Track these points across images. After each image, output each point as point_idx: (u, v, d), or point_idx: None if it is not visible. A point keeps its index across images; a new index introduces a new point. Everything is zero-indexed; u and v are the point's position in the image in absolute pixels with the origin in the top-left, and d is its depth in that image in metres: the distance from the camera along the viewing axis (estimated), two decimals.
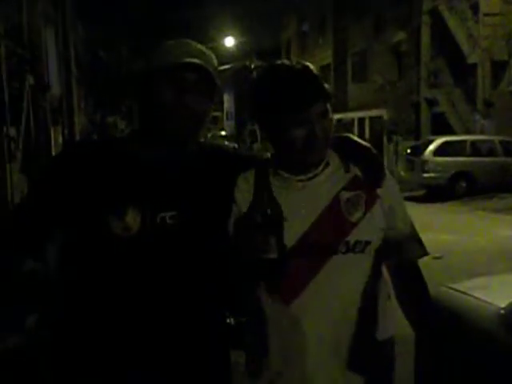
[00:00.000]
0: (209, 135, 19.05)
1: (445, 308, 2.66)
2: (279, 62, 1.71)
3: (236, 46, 43.38)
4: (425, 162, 17.41)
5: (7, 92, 12.91)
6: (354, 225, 1.66)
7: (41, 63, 17.03)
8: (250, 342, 1.74)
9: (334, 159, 1.74)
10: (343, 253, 1.64)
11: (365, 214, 1.68)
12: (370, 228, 1.68)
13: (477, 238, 10.87)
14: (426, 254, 1.82)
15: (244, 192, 1.72)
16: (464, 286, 2.77)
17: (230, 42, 43.58)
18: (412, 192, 18.08)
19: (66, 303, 1.69)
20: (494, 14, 21.10)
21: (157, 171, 1.64)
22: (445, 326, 2.64)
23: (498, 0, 21.09)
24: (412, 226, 1.80)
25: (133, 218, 1.57)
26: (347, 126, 31.26)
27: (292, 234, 1.63)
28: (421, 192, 18.06)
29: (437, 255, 8.54)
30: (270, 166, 1.75)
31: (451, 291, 2.74)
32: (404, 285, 1.84)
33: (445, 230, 11.29)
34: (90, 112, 34.64)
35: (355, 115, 31.57)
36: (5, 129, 12.88)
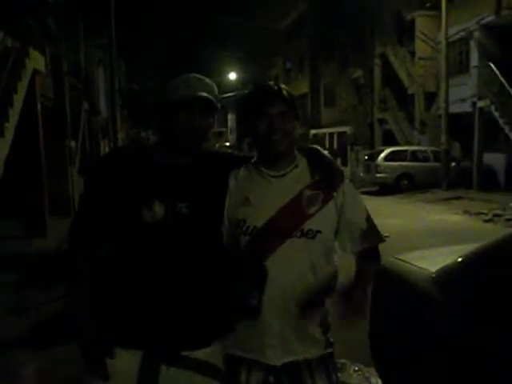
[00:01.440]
0: (217, 145, 18.84)
1: (392, 274, 2.64)
2: (264, 82, 1.77)
3: (237, 78, 43.15)
4: (377, 165, 17.46)
5: (69, 115, 12.90)
6: (310, 216, 1.61)
7: (93, 94, 16.98)
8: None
9: (302, 163, 1.70)
10: (298, 237, 1.60)
11: (320, 209, 1.62)
12: (322, 220, 1.62)
13: (415, 221, 10.89)
14: (382, 241, 1.76)
15: (232, 185, 1.69)
16: (406, 257, 2.73)
17: (232, 76, 43.45)
18: (368, 188, 18.13)
19: (110, 271, 1.67)
20: (426, 58, 21.06)
21: (174, 172, 1.63)
22: (392, 288, 2.64)
23: (429, 48, 21.04)
24: (370, 220, 1.73)
25: (158, 208, 1.56)
26: (321, 138, 31.15)
27: (262, 217, 1.61)
28: (375, 188, 18.02)
29: (386, 234, 8.73)
30: (254, 165, 1.71)
31: (397, 261, 2.70)
32: (363, 263, 1.76)
33: (392, 216, 11.26)
34: (128, 129, 34.45)
35: (327, 131, 31.38)
36: (67, 141, 12.89)
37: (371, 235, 1.73)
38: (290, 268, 1.59)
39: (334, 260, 1.72)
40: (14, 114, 8.23)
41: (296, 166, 1.69)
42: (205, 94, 1.59)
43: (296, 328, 1.62)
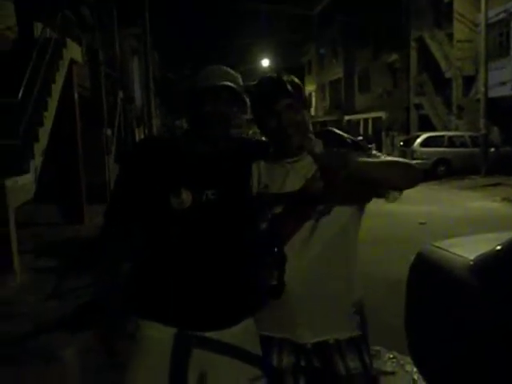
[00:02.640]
0: (250, 132, 18.94)
1: (429, 261, 2.62)
2: (267, 75, 1.74)
3: (270, 66, 42.89)
4: (414, 151, 17.14)
5: (106, 104, 13.13)
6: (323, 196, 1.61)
7: (128, 83, 17.22)
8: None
9: (318, 146, 1.69)
10: (315, 218, 1.62)
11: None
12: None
13: (452, 208, 10.67)
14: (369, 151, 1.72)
15: (253, 174, 1.72)
16: (443, 244, 2.70)
17: (265, 62, 43.19)
18: None
19: (142, 255, 1.71)
20: (464, 41, 20.46)
21: (200, 159, 1.67)
22: (429, 275, 2.63)
23: (467, 30, 20.43)
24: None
25: (186, 196, 1.60)
26: (355, 124, 30.79)
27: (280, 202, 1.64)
28: None
29: (422, 221, 8.37)
30: (273, 155, 1.73)
31: (434, 248, 2.68)
32: None
33: (429, 203, 11.10)
34: (163, 117, 34.82)
35: (361, 117, 31.04)
36: (104, 130, 13.14)
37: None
38: (312, 246, 1.62)
39: (354, 234, 1.73)
40: (53, 103, 8.43)
41: None
42: (229, 83, 1.63)
43: (324, 307, 1.64)
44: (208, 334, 1.62)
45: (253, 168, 1.74)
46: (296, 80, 1.70)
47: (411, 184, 1.64)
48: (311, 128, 1.74)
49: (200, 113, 1.65)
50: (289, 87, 1.64)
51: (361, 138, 25.16)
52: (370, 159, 1.61)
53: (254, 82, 1.77)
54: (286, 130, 1.62)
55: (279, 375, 1.64)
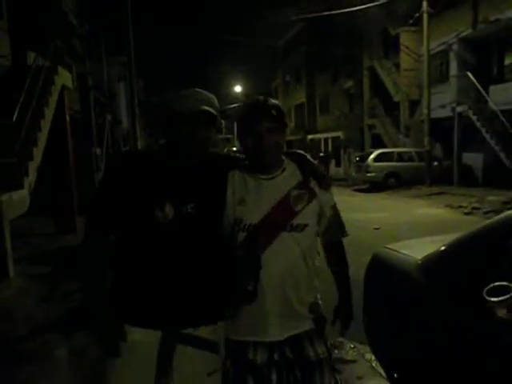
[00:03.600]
0: (225, 150, 18.80)
1: (383, 261, 2.64)
2: (255, 98, 1.68)
3: (242, 91, 43.13)
4: (368, 165, 17.46)
5: (95, 125, 12.95)
6: (297, 213, 1.64)
7: (116, 106, 17.02)
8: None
9: (289, 166, 1.71)
10: (288, 231, 1.62)
11: (305, 205, 1.65)
12: (308, 215, 1.65)
13: (402, 214, 10.81)
14: (345, 235, 1.79)
15: (229, 187, 1.68)
16: (395, 246, 2.72)
17: (238, 88, 43.46)
18: (359, 186, 18.13)
19: (122, 263, 1.67)
20: (410, 69, 20.95)
21: (180, 175, 1.63)
22: (383, 273, 2.65)
23: (412, 60, 20.95)
24: (339, 216, 1.76)
25: (169, 210, 1.56)
26: (317, 143, 31.13)
27: (257, 214, 1.62)
28: (365, 186, 18.02)
29: (376, 227, 8.39)
30: (246, 168, 1.70)
31: (387, 250, 2.70)
32: (332, 257, 1.81)
33: (381, 210, 11.28)
34: (147, 138, 34.46)
35: (322, 136, 31.36)
36: (93, 149, 12.93)
37: (337, 229, 1.77)
38: (284, 258, 1.62)
39: (316, 246, 1.77)
40: (46, 125, 8.27)
41: (284, 170, 1.69)
42: (207, 108, 1.57)
43: (292, 309, 1.66)
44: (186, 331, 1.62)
45: (228, 177, 1.69)
46: (278, 104, 1.66)
47: None
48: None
49: (178, 135, 1.58)
50: (273, 112, 1.61)
51: (322, 154, 25.41)
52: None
53: (231, 106, 1.76)
54: (265, 150, 1.60)
55: (254, 369, 1.63)
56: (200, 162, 1.66)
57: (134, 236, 1.62)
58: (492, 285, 1.65)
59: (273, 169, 1.67)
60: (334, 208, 1.75)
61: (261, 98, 1.65)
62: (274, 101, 1.67)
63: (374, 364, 3.18)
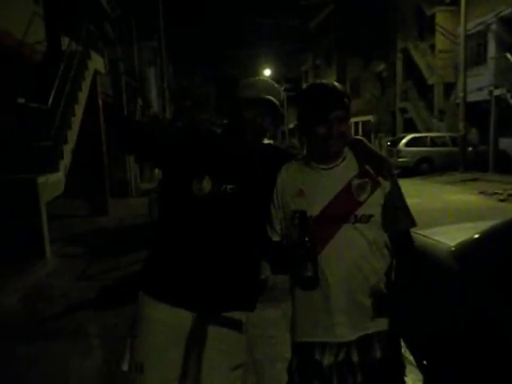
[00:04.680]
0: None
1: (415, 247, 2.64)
2: (319, 81, 1.61)
3: (271, 75, 42.73)
4: (399, 150, 17.03)
5: (126, 110, 13.13)
6: (361, 203, 1.55)
7: (146, 90, 17.21)
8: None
9: (349, 155, 1.62)
10: (352, 223, 1.54)
11: (369, 195, 1.56)
12: (372, 206, 1.56)
13: (434, 200, 10.62)
14: (414, 225, 1.65)
15: (284, 179, 1.63)
16: (427, 232, 2.66)
17: (267, 72, 43.01)
18: None
19: (159, 238, 1.70)
20: (445, 51, 20.30)
21: (230, 156, 1.64)
22: (415, 260, 2.69)
23: (448, 41, 20.27)
24: (406, 207, 1.64)
25: (207, 184, 1.57)
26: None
27: (317, 206, 1.55)
28: (397, 171, 17.66)
29: None
30: (303, 159, 1.65)
31: (419, 236, 2.60)
32: (399, 249, 1.66)
33: (413, 196, 10.98)
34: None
35: (353, 120, 30.74)
36: None
37: (406, 218, 1.64)
38: (350, 251, 1.54)
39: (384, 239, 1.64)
40: (79, 109, 8.44)
41: (344, 159, 1.61)
42: (270, 97, 1.59)
43: (361, 305, 1.57)
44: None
45: (282, 171, 1.65)
46: (345, 90, 1.59)
47: None
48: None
49: (239, 120, 1.61)
50: (345, 99, 1.55)
51: None
52: None
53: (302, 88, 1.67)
54: (333, 140, 1.52)
55: (320, 372, 1.58)
56: (255, 150, 1.67)
57: (172, 205, 1.66)
58: None
59: (334, 159, 1.59)
60: (400, 197, 1.63)
61: (329, 83, 1.58)
62: (340, 86, 1.59)
63: (403, 351, 3.15)
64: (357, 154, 1.63)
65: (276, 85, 1.66)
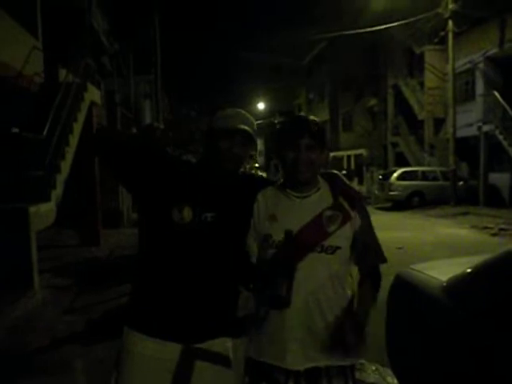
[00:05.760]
0: (247, 166, 18.89)
1: (407, 282, 2.59)
2: (297, 115, 1.70)
3: (265, 108, 43.48)
4: (391, 184, 17.20)
5: None
6: (330, 234, 1.58)
7: (141, 122, 17.36)
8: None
9: (324, 186, 1.68)
10: (318, 252, 1.57)
11: (339, 228, 1.59)
12: (341, 238, 1.59)
13: (426, 234, 10.62)
14: (384, 261, 1.68)
15: (260, 203, 1.67)
16: (419, 267, 2.68)
17: (261, 105, 43.88)
18: (382, 204, 17.90)
19: (140, 270, 1.69)
20: (435, 88, 20.81)
21: (208, 186, 1.66)
22: (407, 294, 2.60)
23: (436, 78, 20.82)
24: (377, 243, 1.68)
25: (187, 213, 1.58)
26: (340, 160, 31.02)
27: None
28: (388, 204, 17.79)
29: (400, 246, 8.26)
30: (280, 186, 1.70)
31: (411, 271, 2.65)
32: (365, 282, 1.67)
33: (404, 230, 11.09)
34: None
35: (345, 153, 31.27)
36: None
37: (377, 255, 1.68)
38: (311, 279, 1.56)
39: (348, 271, 1.67)
40: (74, 139, 8.48)
41: (318, 189, 1.66)
42: (245, 127, 1.63)
43: (317, 336, 1.57)
44: (201, 345, 1.60)
45: (258, 195, 1.69)
46: (320, 123, 1.66)
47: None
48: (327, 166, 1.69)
49: (215, 150, 1.64)
50: (313, 128, 1.61)
51: (344, 171, 25.29)
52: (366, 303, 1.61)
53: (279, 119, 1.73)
54: (301, 166, 1.58)
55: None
56: (232, 179, 1.70)
57: (152, 235, 1.65)
58: None
59: (307, 187, 1.64)
60: (369, 232, 1.66)
61: (303, 115, 1.67)
62: (315, 119, 1.67)
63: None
64: (332, 187, 1.68)
65: (249, 115, 1.71)
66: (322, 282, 1.58)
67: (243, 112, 1.71)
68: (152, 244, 1.66)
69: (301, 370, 1.56)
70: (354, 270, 1.71)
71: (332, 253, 1.58)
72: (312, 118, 1.66)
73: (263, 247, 1.62)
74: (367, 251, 1.65)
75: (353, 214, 1.62)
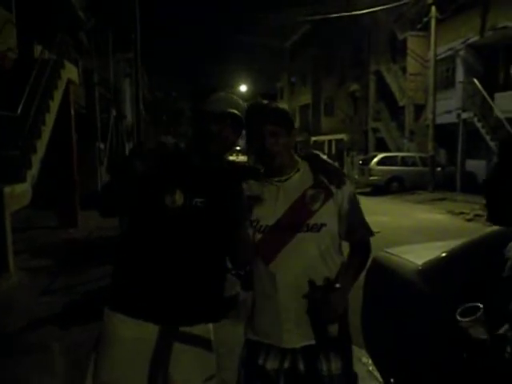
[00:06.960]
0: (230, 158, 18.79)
1: (383, 266, 2.63)
2: (258, 101, 1.70)
3: (247, 91, 43.12)
4: (371, 169, 17.39)
5: (99, 120, 12.97)
6: (314, 212, 1.60)
7: (120, 102, 17.06)
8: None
9: (304, 167, 1.69)
10: (305, 231, 1.59)
11: (322, 205, 1.61)
12: (325, 215, 1.61)
13: (404, 219, 10.82)
14: (371, 235, 1.73)
15: (245, 191, 1.69)
16: (395, 250, 2.70)
17: (243, 88, 43.41)
18: (362, 189, 18.10)
19: (126, 249, 1.71)
20: (416, 74, 20.95)
21: (198, 171, 1.68)
22: (383, 278, 2.64)
23: (418, 64, 20.95)
24: (363, 218, 1.71)
25: (179, 197, 1.61)
26: (320, 144, 31.14)
27: (272, 216, 1.61)
28: (368, 189, 17.99)
29: (377, 230, 8.61)
30: (262, 173, 1.71)
31: (387, 254, 2.68)
32: (355, 257, 1.71)
33: (383, 214, 11.23)
34: (152, 133, 34.48)
35: (326, 138, 31.39)
36: (97, 143, 12.94)
37: (364, 229, 1.71)
38: (300, 259, 1.59)
39: (338, 247, 1.69)
40: (51, 118, 8.28)
41: (298, 170, 1.68)
42: (235, 111, 1.64)
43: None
44: (182, 329, 1.62)
45: (243, 185, 1.70)
46: (282, 107, 1.67)
47: None
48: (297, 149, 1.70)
49: (205, 133, 1.65)
50: (274, 115, 1.62)
51: (325, 156, 25.32)
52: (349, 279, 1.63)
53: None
54: (269, 153, 1.60)
55: (263, 375, 1.62)
56: (220, 165, 1.73)
57: (143, 218, 1.67)
58: (464, 306, 1.61)
59: (286, 170, 1.66)
60: (354, 206, 1.67)
61: (263, 101, 1.67)
62: (277, 104, 1.68)
63: (370, 368, 3.17)
64: (312, 166, 1.70)
65: (241, 101, 1.72)
66: (313, 260, 1.60)
67: (235, 97, 1.72)
68: (143, 226, 1.67)
69: (296, 347, 1.60)
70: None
71: (318, 230, 1.59)
72: (273, 102, 1.67)
73: (251, 232, 1.64)
74: (356, 226, 1.68)
75: (334, 189, 1.64)
